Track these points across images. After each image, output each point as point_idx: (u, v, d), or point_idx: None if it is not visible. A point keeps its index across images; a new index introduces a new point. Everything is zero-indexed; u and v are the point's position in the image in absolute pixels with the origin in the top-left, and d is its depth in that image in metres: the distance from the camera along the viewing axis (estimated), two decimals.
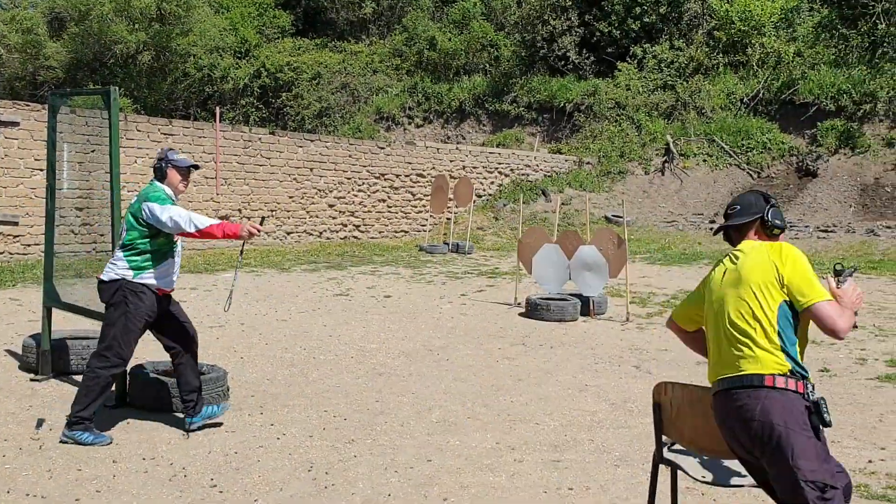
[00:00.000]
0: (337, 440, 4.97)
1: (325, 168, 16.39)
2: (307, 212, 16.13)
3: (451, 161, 18.67)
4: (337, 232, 16.63)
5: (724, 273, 3.11)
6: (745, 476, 3.20)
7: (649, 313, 9.66)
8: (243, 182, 15.15)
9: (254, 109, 26.33)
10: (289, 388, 6.13)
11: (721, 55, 23.34)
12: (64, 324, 6.70)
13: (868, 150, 19.94)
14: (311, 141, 16.37)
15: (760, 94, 22.09)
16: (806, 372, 2.95)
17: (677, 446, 3.48)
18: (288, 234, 15.81)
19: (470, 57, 25.88)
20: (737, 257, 3.10)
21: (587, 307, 9.32)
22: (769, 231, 3.16)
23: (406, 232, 17.75)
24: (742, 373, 2.91)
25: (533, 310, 9.14)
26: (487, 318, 9.18)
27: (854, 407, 5.81)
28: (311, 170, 16.15)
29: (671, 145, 21.25)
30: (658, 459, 3.43)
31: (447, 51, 25.72)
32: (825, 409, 2.83)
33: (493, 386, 6.30)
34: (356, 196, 16.90)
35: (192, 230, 4.79)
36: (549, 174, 20.67)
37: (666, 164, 21.15)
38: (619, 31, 23.93)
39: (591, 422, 5.44)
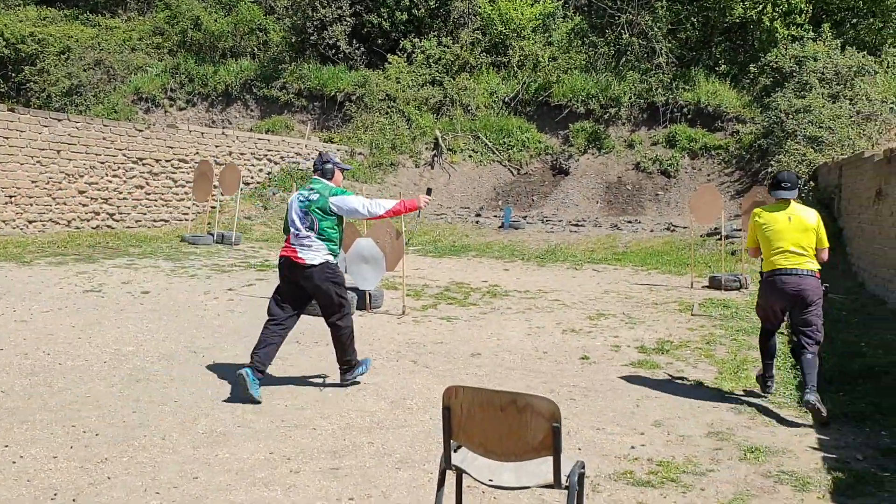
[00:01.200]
0: (87, 460, 4.39)
1: (75, 150, 14.84)
2: (53, 198, 14.51)
3: (216, 146, 17.71)
4: (88, 221, 15.13)
5: (790, 219, 5.98)
6: (531, 478, 3.20)
7: (424, 305, 9.71)
8: None
9: None
10: (29, 402, 5.37)
11: (485, 55, 24.22)
12: None
13: (612, 150, 21.64)
14: (59, 120, 14.73)
15: (520, 95, 23.21)
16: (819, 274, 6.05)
17: (463, 449, 3.39)
18: (30, 222, 14.12)
19: (237, 40, 24.78)
20: (794, 211, 6.04)
21: (363, 301, 9.18)
22: (783, 202, 6.13)
23: (166, 221, 16.57)
24: (805, 267, 5.89)
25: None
26: (258, 316, 8.70)
27: (614, 393, 6.14)
28: (59, 152, 14.55)
29: (440, 140, 21.74)
30: (446, 465, 3.31)
31: (213, 32, 24.45)
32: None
33: (265, 390, 5.92)
34: (111, 182, 15.48)
35: (383, 212, 6.07)
36: None
37: (435, 158, 21.61)
38: (389, 24, 24.06)
39: (370, 423, 5.27)
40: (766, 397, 6.11)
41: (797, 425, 5.41)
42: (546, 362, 7.08)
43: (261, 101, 23.65)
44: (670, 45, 22.56)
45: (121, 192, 15.70)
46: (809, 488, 4.27)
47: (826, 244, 6.06)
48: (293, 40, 24.64)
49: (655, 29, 22.41)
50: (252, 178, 18.55)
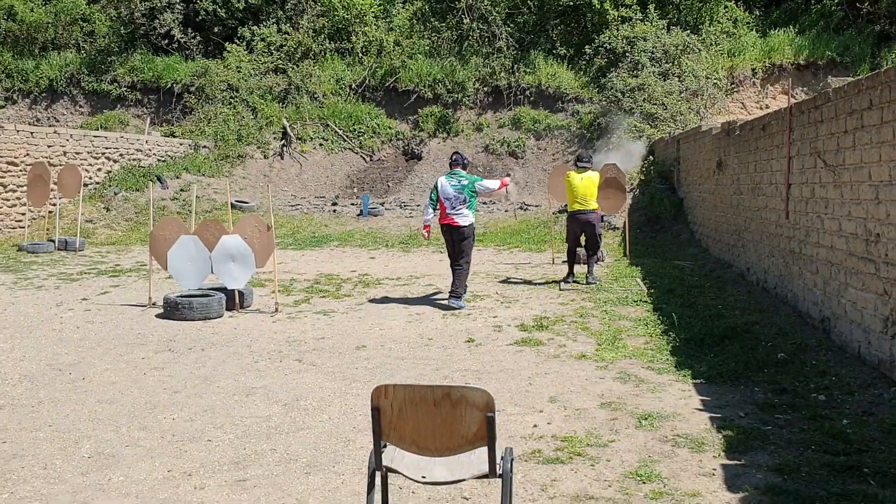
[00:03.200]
0: None
1: None
2: None
3: (49, 146, 16.40)
4: None
5: (582, 179, 10.19)
6: (465, 470, 3.20)
7: (296, 301, 9.47)
8: None
9: None
10: None
11: (328, 41, 23.85)
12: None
13: (461, 133, 21.97)
14: None
15: (367, 81, 23.06)
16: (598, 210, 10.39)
17: (390, 448, 3.33)
18: None
19: (59, 31, 23.03)
20: (587, 175, 10.30)
21: (232, 301, 8.83)
22: (583, 169, 10.36)
23: None
24: (590, 207, 10.11)
25: (173, 309, 8.37)
26: (121, 324, 8.21)
27: (505, 374, 6.25)
28: None
29: (288, 129, 21.24)
30: (376, 466, 3.24)
31: (30, 23, 22.59)
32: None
33: (148, 403, 5.59)
34: None
35: (496, 187, 9.52)
36: (163, 159, 19.32)
37: (285, 148, 21.09)
38: (224, 11, 23.19)
39: (267, 429, 5.08)
40: (569, 283, 10.14)
41: (679, 388, 5.72)
42: (433, 348, 7.10)
43: (90, 96, 22.18)
44: (510, 29, 23.11)
45: None
46: (705, 448, 4.53)
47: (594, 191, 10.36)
48: (121, 30, 23.24)
49: (495, 13, 22.88)
50: (91, 178, 17.36)
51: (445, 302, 9.09)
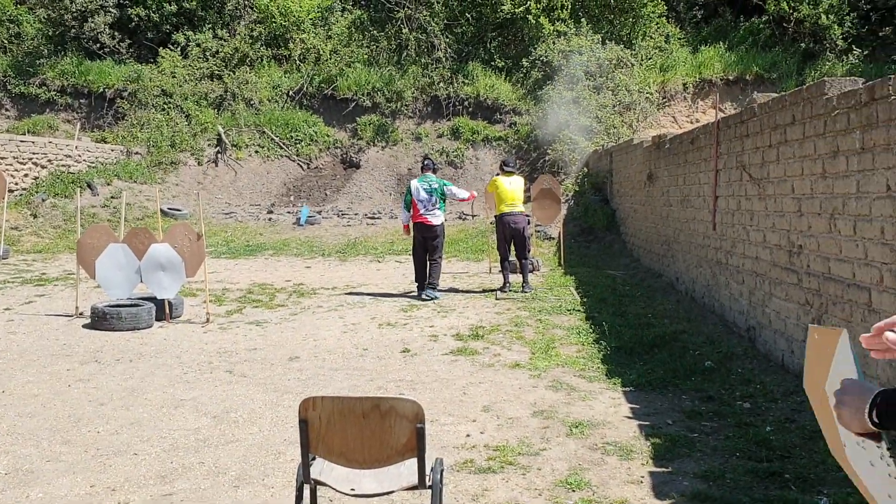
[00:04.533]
0: None
1: None
2: None
3: None
4: None
5: (511, 183, 10.52)
6: (394, 482, 3.18)
7: (228, 311, 9.31)
8: None
9: None
10: None
11: (265, 48, 23.60)
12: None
13: (400, 142, 21.98)
14: None
15: (304, 88, 22.88)
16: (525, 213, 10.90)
17: (319, 460, 3.30)
18: None
19: None
20: (514, 179, 10.66)
21: (162, 311, 8.63)
22: (509, 173, 10.71)
23: None
24: (519, 210, 10.45)
25: (101, 319, 8.14)
26: (45, 335, 7.94)
27: (439, 383, 6.26)
28: None
29: (223, 136, 20.91)
30: (304, 479, 3.20)
31: None
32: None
33: (71, 417, 5.42)
34: None
35: (464, 197, 10.74)
36: (94, 165, 18.78)
37: (219, 155, 20.75)
38: (158, 16, 22.75)
39: (196, 441, 4.97)
40: (505, 292, 10.32)
41: (609, 396, 5.82)
42: (368, 359, 7.06)
43: (17, 100, 21.45)
44: (448, 40, 23.24)
45: None
46: (633, 456, 4.61)
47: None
48: (50, 32, 22.57)
49: (433, 24, 22.98)
50: (17, 184, 16.77)
51: (417, 294, 10.24)
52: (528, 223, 10.93)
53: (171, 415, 5.51)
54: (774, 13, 21.73)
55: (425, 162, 10.48)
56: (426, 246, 10.16)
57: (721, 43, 22.35)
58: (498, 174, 10.91)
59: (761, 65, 21.20)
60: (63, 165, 18.02)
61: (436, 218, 10.13)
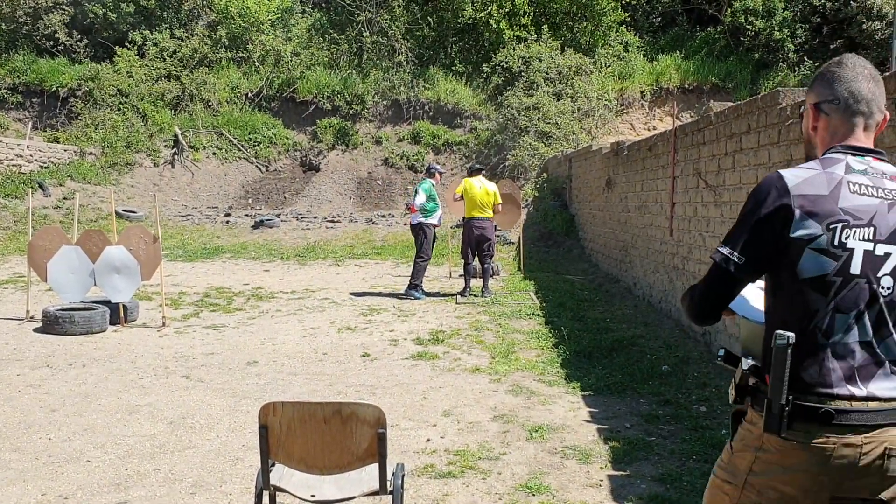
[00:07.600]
0: None
1: None
2: None
3: None
4: None
5: (480, 187, 10.53)
6: (354, 488, 3.17)
7: (185, 315, 9.17)
8: None
9: None
10: None
11: (224, 49, 23.34)
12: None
13: (361, 146, 21.90)
14: None
15: (264, 91, 22.68)
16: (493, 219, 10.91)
17: (279, 466, 3.27)
18: None
19: None
20: (483, 183, 10.52)
21: (117, 315, 8.47)
22: (476, 172, 10.75)
23: None
24: (486, 216, 10.62)
25: (53, 323, 7.96)
26: (7, 345, 7.75)
27: (400, 388, 6.24)
28: None
29: (180, 137, 20.62)
30: (264, 486, 3.17)
31: None
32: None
33: (22, 423, 5.28)
34: None
35: (414, 204, 10.72)
36: (45, 165, 18.38)
37: (176, 157, 20.46)
38: (114, 15, 22.37)
39: (151, 448, 4.89)
40: (465, 296, 10.33)
41: (569, 400, 5.86)
42: (328, 363, 7.01)
43: None
44: (409, 44, 23.24)
45: None
46: (592, 460, 4.65)
47: (500, 201, 10.77)
48: (2, 28, 22.04)
49: (394, 27, 22.96)
50: None
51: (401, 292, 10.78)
52: (495, 229, 11.08)
53: (126, 421, 5.40)
54: (730, 25, 22.16)
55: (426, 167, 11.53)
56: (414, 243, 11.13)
57: (678, 52, 22.71)
58: (466, 176, 10.87)
59: (717, 74, 21.60)
60: (14, 165, 17.59)
61: (414, 217, 10.78)
